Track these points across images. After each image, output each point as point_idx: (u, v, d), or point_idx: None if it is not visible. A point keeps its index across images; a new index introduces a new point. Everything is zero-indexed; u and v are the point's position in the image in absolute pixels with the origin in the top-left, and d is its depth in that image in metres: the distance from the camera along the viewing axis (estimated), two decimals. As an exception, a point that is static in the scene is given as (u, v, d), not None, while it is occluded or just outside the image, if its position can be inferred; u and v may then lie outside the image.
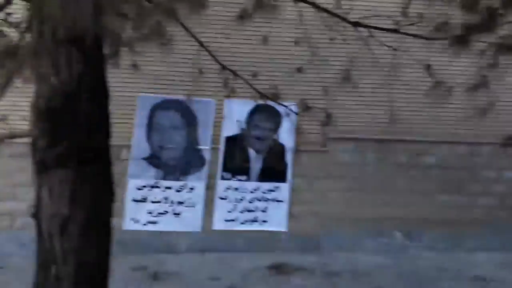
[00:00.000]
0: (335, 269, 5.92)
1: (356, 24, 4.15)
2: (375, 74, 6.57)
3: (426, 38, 3.97)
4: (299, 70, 5.45)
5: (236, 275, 5.60)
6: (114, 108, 6.51)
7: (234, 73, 4.84)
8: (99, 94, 2.57)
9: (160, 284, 5.23)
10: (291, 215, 6.88)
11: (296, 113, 5.28)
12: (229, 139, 6.87)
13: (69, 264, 2.38)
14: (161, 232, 6.67)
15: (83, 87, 2.40)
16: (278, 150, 6.95)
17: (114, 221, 6.47)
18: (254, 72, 6.18)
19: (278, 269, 5.96)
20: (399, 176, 7.02)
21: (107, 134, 2.67)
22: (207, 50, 4.69)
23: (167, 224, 6.71)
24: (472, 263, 6.26)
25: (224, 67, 4.91)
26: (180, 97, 6.65)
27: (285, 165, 6.94)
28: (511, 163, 7.15)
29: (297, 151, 6.93)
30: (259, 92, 5.09)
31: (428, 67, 4.47)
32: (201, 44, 4.61)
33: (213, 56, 4.69)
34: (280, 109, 6.88)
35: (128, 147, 6.67)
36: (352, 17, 4.41)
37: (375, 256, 6.55)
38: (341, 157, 7.01)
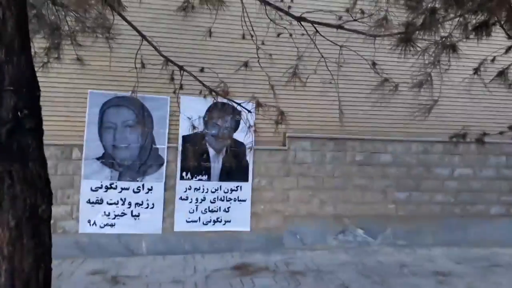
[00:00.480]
0: (298, 267, 5.91)
1: (300, 19, 4.16)
2: (328, 72, 6.70)
3: (369, 35, 4.06)
4: (246, 65, 5.40)
5: (199, 277, 5.46)
6: (63, 106, 6.40)
7: (180, 67, 4.73)
8: (25, 87, 2.35)
9: (118, 288, 4.98)
10: (253, 215, 6.83)
11: (250, 111, 5.20)
12: (186, 138, 6.73)
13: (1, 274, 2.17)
14: (120, 234, 6.41)
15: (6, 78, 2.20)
16: (238, 149, 6.89)
17: (70, 224, 6.28)
18: (202, 67, 6.15)
19: (242, 269, 5.87)
20: (356, 174, 7.16)
21: (37, 130, 2.44)
22: (150, 43, 4.56)
23: (125, 227, 6.46)
24: (431, 258, 6.46)
25: (168, 61, 4.79)
26: (132, 93, 6.46)
27: (246, 164, 6.88)
28: (463, 160, 7.48)
29: (256, 150, 6.90)
30: (209, 89, 5.01)
31: (373, 64, 4.59)
32: (143, 36, 4.47)
33: (156, 49, 4.55)
34: (238, 107, 6.87)
35: (80, 146, 6.37)
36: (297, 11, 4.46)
37: (338, 254, 6.62)
38: (300, 155, 7.05)
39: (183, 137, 6.71)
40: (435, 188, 7.35)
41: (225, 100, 6.78)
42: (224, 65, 6.65)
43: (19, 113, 2.26)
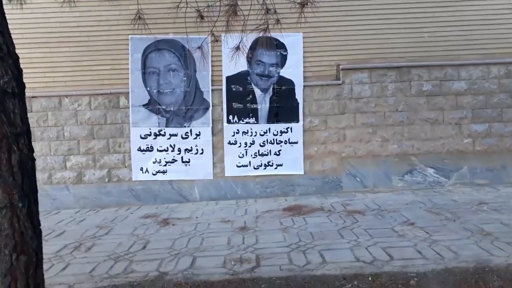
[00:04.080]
0: (357, 207, 5.39)
1: None
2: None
3: None
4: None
5: (249, 217, 5.22)
6: (106, 54, 6.35)
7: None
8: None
9: (168, 228, 4.91)
10: (306, 157, 6.36)
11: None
12: (230, 79, 6.36)
13: None
14: (172, 181, 6.38)
15: None
16: (286, 87, 6.37)
17: (123, 172, 6.36)
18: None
19: (294, 210, 5.51)
20: (424, 106, 6.28)
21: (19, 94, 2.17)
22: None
23: (177, 173, 6.39)
24: (515, 196, 5.53)
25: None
26: (173, 35, 6.23)
27: (295, 103, 6.37)
28: (559, 81, 6.20)
29: (306, 86, 6.33)
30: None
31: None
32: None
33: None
34: (284, 40, 6.31)
35: (126, 94, 6.33)
36: None
37: (404, 195, 5.95)
38: (357, 89, 6.33)
39: (227, 78, 6.36)
40: (522, 116, 6.22)
41: (268, 34, 6.29)
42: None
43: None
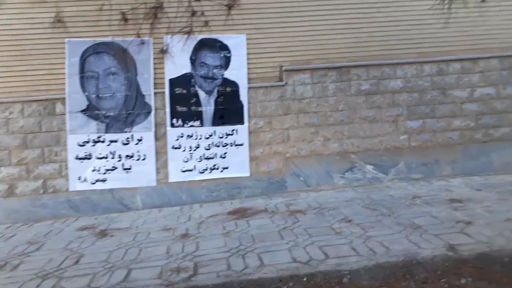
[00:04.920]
0: (300, 207, 5.47)
1: None
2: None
3: None
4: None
5: (192, 223, 5.13)
6: (41, 58, 6.02)
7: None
8: None
9: (105, 240, 4.73)
10: (252, 159, 6.38)
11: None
12: (173, 81, 6.24)
13: None
14: (112, 189, 6.15)
15: None
16: (230, 89, 6.35)
17: (60, 182, 6.05)
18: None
19: (238, 213, 5.49)
20: (363, 105, 6.49)
21: None
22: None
23: (117, 181, 6.17)
24: (449, 188, 5.83)
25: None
26: (112, 38, 6.02)
27: (240, 105, 6.36)
28: (483, 78, 6.63)
29: (251, 88, 6.35)
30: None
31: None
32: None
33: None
34: (228, 42, 6.30)
35: (63, 100, 6.02)
36: None
37: (345, 192, 6.12)
38: (299, 90, 6.43)
39: (170, 80, 6.23)
40: (452, 113, 6.59)
41: (213, 36, 6.25)
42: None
43: None
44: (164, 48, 5.24)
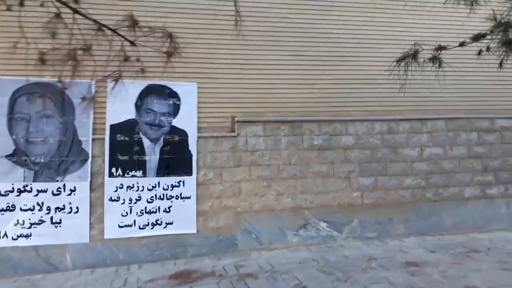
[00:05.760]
0: (250, 269, 4.99)
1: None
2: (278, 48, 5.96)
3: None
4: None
5: (126, 290, 4.47)
6: None
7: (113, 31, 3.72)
8: None
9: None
10: (199, 213, 5.89)
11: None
12: (115, 127, 5.76)
13: None
14: (38, 246, 5.34)
15: None
16: (178, 138, 5.96)
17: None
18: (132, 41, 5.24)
19: (182, 277, 4.90)
20: (316, 160, 6.35)
21: None
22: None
23: (44, 237, 5.39)
24: (403, 248, 5.65)
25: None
26: (49, 78, 5.49)
27: (188, 155, 5.96)
28: (431, 138, 6.79)
29: (201, 137, 6.01)
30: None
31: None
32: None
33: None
34: (178, 89, 6.01)
35: (-16, 142, 5.30)
36: None
37: (299, 251, 5.75)
38: (252, 142, 6.19)
39: (111, 126, 5.74)
40: (403, 171, 6.61)
41: (161, 82, 5.92)
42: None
43: None
44: (87, 95, 4.83)
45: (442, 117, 6.80)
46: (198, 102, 6.05)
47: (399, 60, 4.13)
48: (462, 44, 4.07)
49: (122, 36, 3.37)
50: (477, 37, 3.84)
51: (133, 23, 3.13)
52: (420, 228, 6.47)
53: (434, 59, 3.99)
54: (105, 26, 3.30)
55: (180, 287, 4.55)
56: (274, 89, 6.35)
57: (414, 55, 3.92)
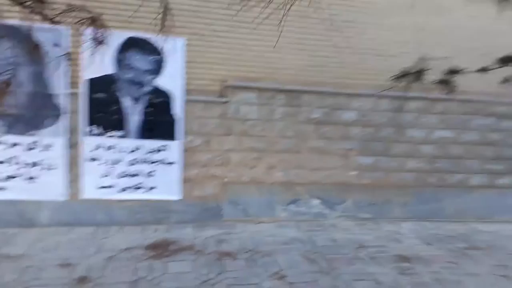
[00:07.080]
0: (231, 247, 4.72)
1: None
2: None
3: None
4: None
5: (98, 259, 4.21)
6: None
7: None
8: None
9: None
10: (185, 181, 5.54)
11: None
12: (93, 82, 5.24)
13: None
14: (15, 201, 5.07)
15: None
16: (162, 99, 5.45)
17: None
18: None
19: (158, 249, 4.64)
20: (313, 135, 5.86)
21: None
22: None
23: (19, 191, 5.09)
24: (398, 236, 5.33)
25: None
26: (19, 21, 4.90)
27: (173, 119, 5.49)
28: (443, 120, 6.24)
29: (188, 101, 5.50)
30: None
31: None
32: None
33: None
34: (163, 44, 5.37)
35: (-49, 90, 4.86)
36: None
37: (287, 228, 5.47)
38: (244, 110, 5.67)
39: (90, 80, 5.22)
40: (407, 153, 6.13)
41: (145, 35, 5.30)
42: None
43: None
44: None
45: (457, 98, 6.18)
46: (187, 62, 5.46)
47: None
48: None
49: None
50: None
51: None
52: (419, 213, 6.11)
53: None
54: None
55: (155, 260, 4.29)
56: (272, 53, 5.67)
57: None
